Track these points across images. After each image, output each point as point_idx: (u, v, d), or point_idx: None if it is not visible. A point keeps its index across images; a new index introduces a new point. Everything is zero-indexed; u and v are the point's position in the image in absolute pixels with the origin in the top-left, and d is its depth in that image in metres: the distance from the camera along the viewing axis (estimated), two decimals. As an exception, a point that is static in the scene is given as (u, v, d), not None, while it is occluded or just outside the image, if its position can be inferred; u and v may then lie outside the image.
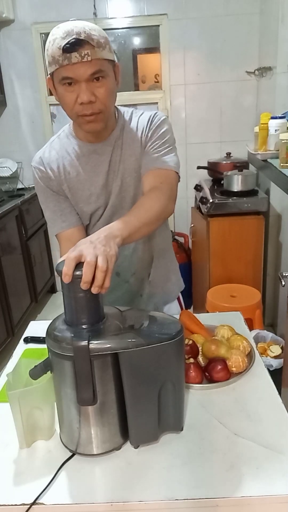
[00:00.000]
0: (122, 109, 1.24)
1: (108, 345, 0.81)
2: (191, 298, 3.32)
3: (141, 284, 1.37)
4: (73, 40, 0.98)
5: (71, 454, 0.89)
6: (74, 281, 0.81)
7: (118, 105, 1.24)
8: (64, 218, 1.25)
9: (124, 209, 1.24)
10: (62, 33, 1.00)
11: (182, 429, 0.93)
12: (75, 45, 0.98)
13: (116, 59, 1.09)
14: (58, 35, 1.00)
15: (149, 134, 1.19)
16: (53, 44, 1.01)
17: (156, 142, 1.18)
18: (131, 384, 0.84)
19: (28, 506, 0.78)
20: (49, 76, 1.08)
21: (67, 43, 0.98)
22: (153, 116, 1.21)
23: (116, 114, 1.22)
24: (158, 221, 1.07)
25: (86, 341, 0.79)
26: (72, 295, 0.83)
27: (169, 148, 1.19)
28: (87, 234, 1.28)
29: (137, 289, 1.38)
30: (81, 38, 0.98)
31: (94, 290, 0.81)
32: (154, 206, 1.07)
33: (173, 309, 1.46)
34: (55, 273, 4.20)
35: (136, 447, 0.89)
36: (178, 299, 1.50)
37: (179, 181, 1.21)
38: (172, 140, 1.21)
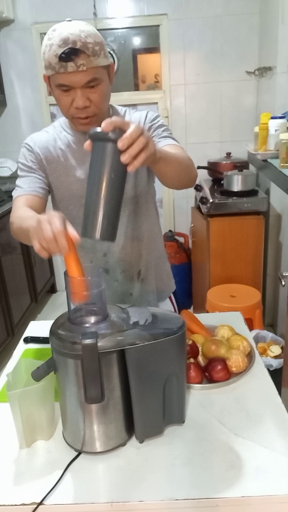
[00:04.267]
0: (116, 106, 1.29)
1: (116, 342, 0.82)
2: (191, 298, 3.32)
3: (131, 283, 1.37)
4: (68, 49, 1.01)
5: (75, 453, 0.89)
6: (104, 141, 0.77)
7: (117, 105, 1.29)
8: (31, 184, 1.22)
9: None
10: (59, 40, 1.01)
11: (184, 421, 0.94)
12: (71, 54, 1.01)
13: (112, 60, 1.11)
14: (55, 42, 1.02)
15: (146, 128, 1.23)
16: (49, 50, 1.03)
17: (157, 130, 1.23)
18: (138, 380, 0.85)
19: (35, 506, 0.78)
20: (45, 74, 1.10)
21: (63, 53, 1.01)
22: (146, 115, 1.26)
23: (111, 111, 1.26)
24: (185, 169, 1.09)
25: (94, 339, 0.79)
26: (99, 163, 0.79)
27: (169, 134, 1.24)
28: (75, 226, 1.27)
29: (127, 288, 1.38)
30: (76, 47, 1.01)
31: (123, 157, 0.77)
32: (181, 154, 1.09)
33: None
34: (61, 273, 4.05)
35: (141, 441, 0.90)
36: (170, 298, 1.50)
37: None
38: (169, 130, 1.26)
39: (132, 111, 1.29)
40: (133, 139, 0.77)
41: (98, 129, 0.78)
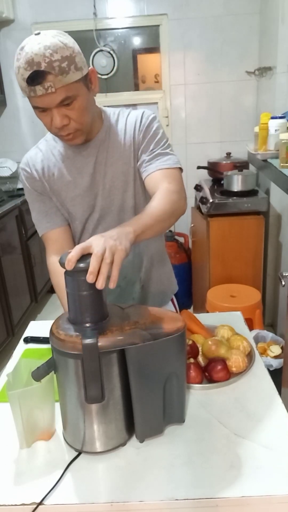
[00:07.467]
0: (108, 110, 1.24)
1: (116, 342, 0.82)
2: (191, 298, 3.32)
3: (133, 288, 1.37)
4: (33, 73, 0.96)
5: (75, 453, 0.89)
6: (77, 275, 0.80)
7: (107, 106, 1.25)
8: (48, 219, 1.27)
9: (113, 212, 1.24)
10: (24, 62, 0.97)
11: (184, 421, 0.94)
12: (37, 77, 0.97)
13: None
14: (21, 64, 0.98)
15: (141, 136, 1.19)
16: (18, 73, 1.00)
17: (151, 143, 1.18)
18: (138, 380, 0.85)
19: (35, 506, 0.78)
20: None
21: (29, 77, 0.97)
22: (141, 117, 1.20)
23: (102, 115, 1.22)
24: (171, 218, 1.06)
25: (95, 339, 0.79)
26: (76, 293, 0.83)
27: (165, 146, 1.19)
28: (80, 239, 1.29)
29: (129, 292, 1.37)
30: (41, 69, 0.96)
31: (98, 284, 0.79)
32: (166, 204, 1.05)
33: None
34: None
35: (142, 441, 0.90)
36: (172, 300, 1.50)
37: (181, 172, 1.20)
38: (165, 136, 1.21)
39: (125, 113, 1.23)
40: (98, 265, 0.79)
41: (64, 257, 0.80)
